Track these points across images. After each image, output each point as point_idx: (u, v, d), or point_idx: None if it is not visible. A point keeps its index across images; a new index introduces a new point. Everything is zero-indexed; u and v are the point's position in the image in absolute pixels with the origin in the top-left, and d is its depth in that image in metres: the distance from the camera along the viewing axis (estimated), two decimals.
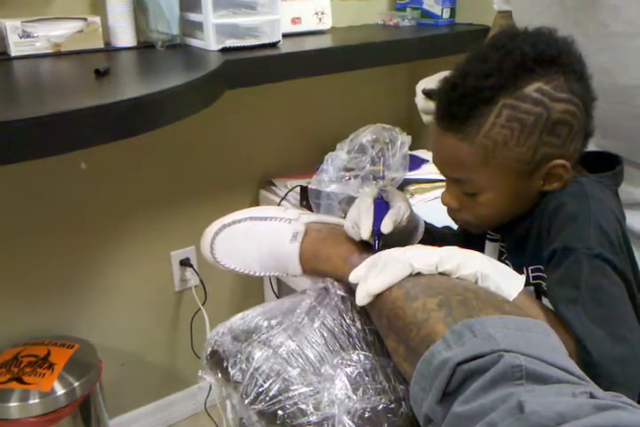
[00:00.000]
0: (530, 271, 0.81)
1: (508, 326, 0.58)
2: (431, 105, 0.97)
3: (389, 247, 0.79)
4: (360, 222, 0.86)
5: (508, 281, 0.71)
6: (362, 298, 0.73)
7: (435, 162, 0.81)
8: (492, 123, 0.73)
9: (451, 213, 0.85)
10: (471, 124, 0.73)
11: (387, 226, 0.85)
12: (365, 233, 0.85)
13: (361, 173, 0.96)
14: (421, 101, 1.04)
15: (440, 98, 0.77)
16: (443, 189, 0.84)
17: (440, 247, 0.75)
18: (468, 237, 0.95)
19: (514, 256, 0.85)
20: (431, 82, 1.01)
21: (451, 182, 0.81)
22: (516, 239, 0.84)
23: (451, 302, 0.65)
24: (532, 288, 0.81)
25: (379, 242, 0.85)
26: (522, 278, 0.73)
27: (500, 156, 0.74)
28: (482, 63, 0.74)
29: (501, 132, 0.73)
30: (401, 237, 0.92)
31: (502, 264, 0.75)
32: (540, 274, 0.80)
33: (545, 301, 0.78)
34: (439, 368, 0.56)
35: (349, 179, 1.05)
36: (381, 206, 0.87)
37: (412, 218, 0.92)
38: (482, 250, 0.89)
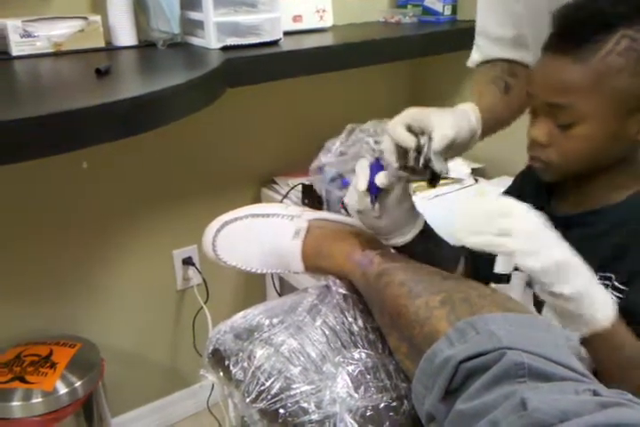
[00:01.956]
0: (598, 278, 0.77)
1: (511, 323, 0.58)
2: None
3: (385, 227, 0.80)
4: (357, 180, 0.85)
5: (602, 305, 0.71)
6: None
7: (534, 89, 0.80)
8: (609, 49, 0.73)
9: (535, 150, 0.82)
10: (589, 48, 0.73)
11: (380, 179, 0.83)
12: (362, 185, 0.84)
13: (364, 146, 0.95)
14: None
15: (562, 17, 0.77)
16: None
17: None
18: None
19: (581, 254, 0.80)
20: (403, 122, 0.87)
21: (545, 112, 0.79)
22: (589, 236, 0.82)
23: (453, 300, 0.65)
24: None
25: (375, 197, 0.85)
26: (614, 304, 0.72)
27: (610, 84, 0.74)
28: None
29: (617, 60, 0.73)
30: (400, 216, 0.89)
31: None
32: (606, 282, 0.78)
33: None
34: (442, 366, 0.56)
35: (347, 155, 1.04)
36: (377, 167, 0.87)
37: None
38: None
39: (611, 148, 0.78)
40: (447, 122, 0.82)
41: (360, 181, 0.85)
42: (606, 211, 0.81)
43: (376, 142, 0.92)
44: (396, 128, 0.83)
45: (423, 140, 0.80)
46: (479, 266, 0.96)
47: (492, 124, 0.95)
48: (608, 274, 0.78)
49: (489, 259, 0.86)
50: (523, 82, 1.00)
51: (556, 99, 0.77)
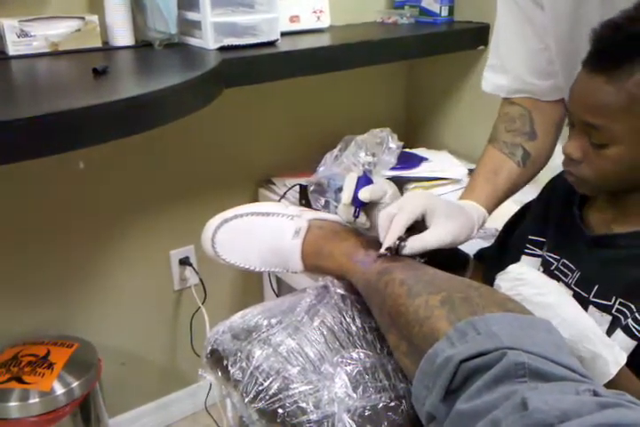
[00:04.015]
0: (617, 304, 0.78)
1: (512, 323, 0.58)
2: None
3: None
4: (343, 192, 0.88)
5: (611, 351, 0.71)
6: None
7: (572, 107, 0.78)
8: None
9: (569, 165, 0.81)
10: (625, 70, 0.71)
11: (363, 193, 0.86)
12: (346, 198, 0.87)
13: (354, 161, 0.98)
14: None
15: (599, 37, 0.75)
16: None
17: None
18: (504, 253, 0.95)
19: (602, 276, 0.81)
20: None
21: (580, 131, 0.78)
22: (616, 259, 0.80)
23: (453, 300, 0.65)
24: (609, 317, 0.79)
25: (358, 210, 0.89)
26: (624, 353, 0.72)
27: None
28: None
29: None
30: None
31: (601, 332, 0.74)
32: (624, 309, 0.77)
33: (618, 332, 0.77)
34: (442, 366, 0.56)
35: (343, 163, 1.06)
36: (364, 181, 0.90)
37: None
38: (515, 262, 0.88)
39: None
40: (446, 230, 0.85)
41: (344, 194, 0.88)
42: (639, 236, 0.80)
43: (367, 155, 0.93)
44: (398, 224, 0.83)
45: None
46: (489, 272, 0.96)
47: (507, 196, 1.00)
48: (628, 303, 0.76)
49: (497, 264, 0.86)
50: (546, 119, 1.01)
51: (589, 118, 0.75)
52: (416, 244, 0.82)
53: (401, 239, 0.82)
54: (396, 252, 0.83)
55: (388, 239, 0.83)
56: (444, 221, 0.85)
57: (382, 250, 0.83)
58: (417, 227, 0.85)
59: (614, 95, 0.72)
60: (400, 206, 0.85)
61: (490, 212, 0.96)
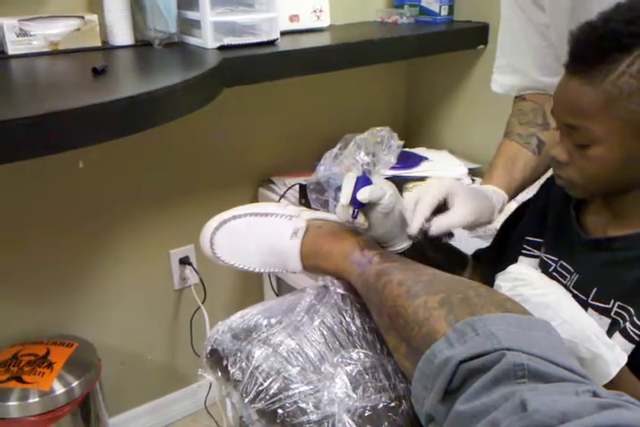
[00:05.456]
0: (616, 307, 0.78)
1: (510, 324, 0.58)
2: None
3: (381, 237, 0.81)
4: (341, 193, 0.87)
5: (611, 351, 0.70)
6: None
7: (554, 109, 0.79)
8: (621, 71, 0.70)
9: (557, 168, 0.82)
10: (600, 69, 0.71)
11: (362, 193, 0.84)
12: (344, 199, 0.85)
13: (353, 161, 0.96)
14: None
15: (576, 39, 0.75)
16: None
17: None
18: (502, 253, 0.95)
19: (601, 279, 0.81)
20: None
21: (564, 133, 0.78)
22: (614, 262, 0.80)
23: (452, 300, 0.65)
24: (608, 320, 0.78)
25: (357, 211, 0.87)
26: (624, 354, 0.72)
27: (622, 107, 0.71)
28: (627, 11, 0.72)
29: (629, 82, 0.70)
30: (392, 228, 0.91)
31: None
32: (623, 314, 0.77)
33: (617, 335, 0.76)
34: (441, 367, 0.56)
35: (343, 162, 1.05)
36: (363, 181, 0.88)
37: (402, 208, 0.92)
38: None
39: (632, 169, 0.76)
40: (468, 209, 0.86)
41: (343, 194, 0.86)
42: (636, 238, 0.79)
43: (367, 154, 0.93)
44: (424, 205, 0.85)
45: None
46: (487, 272, 0.96)
47: (527, 184, 1.01)
48: (627, 306, 0.76)
49: (495, 264, 0.86)
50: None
51: (569, 120, 0.76)
52: (443, 222, 0.83)
53: (426, 220, 0.83)
54: (424, 234, 0.83)
55: (417, 220, 0.84)
56: (466, 201, 0.86)
57: (412, 231, 0.84)
58: (440, 210, 0.86)
59: (592, 96, 0.72)
60: (424, 190, 0.86)
61: (510, 198, 0.98)
